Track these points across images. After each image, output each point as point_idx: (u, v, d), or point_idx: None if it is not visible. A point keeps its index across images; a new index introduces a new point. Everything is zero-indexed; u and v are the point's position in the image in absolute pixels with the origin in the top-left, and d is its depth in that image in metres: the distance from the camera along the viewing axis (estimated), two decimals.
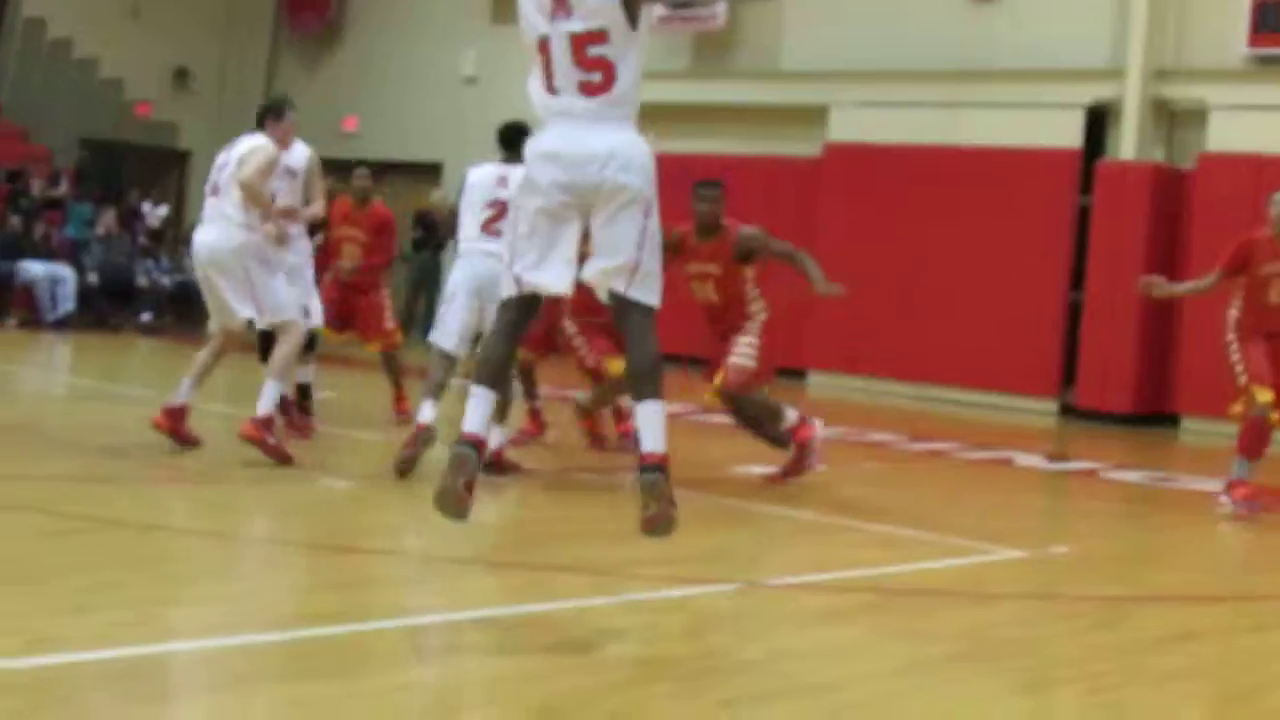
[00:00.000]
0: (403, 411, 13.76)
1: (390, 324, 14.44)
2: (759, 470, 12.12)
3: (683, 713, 5.71)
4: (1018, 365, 21.03)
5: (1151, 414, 20.27)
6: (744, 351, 11.44)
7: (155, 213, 26.54)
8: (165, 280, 25.07)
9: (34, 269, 22.75)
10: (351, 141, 26.78)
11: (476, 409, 6.73)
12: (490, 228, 10.77)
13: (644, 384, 6.74)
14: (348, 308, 14.30)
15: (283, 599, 6.66)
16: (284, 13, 30.51)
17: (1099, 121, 21.24)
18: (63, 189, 25.52)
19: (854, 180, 22.34)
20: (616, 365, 12.08)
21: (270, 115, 11.54)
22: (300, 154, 12.34)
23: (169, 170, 30.65)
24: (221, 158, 11.16)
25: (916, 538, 9.90)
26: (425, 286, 25.23)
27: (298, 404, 12.93)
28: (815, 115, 22.88)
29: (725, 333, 11.61)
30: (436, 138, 26.65)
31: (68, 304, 22.84)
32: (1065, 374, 21.02)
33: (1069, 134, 21.08)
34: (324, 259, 14.13)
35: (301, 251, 12.61)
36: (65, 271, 22.72)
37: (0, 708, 5.06)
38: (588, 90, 6.79)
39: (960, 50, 21.97)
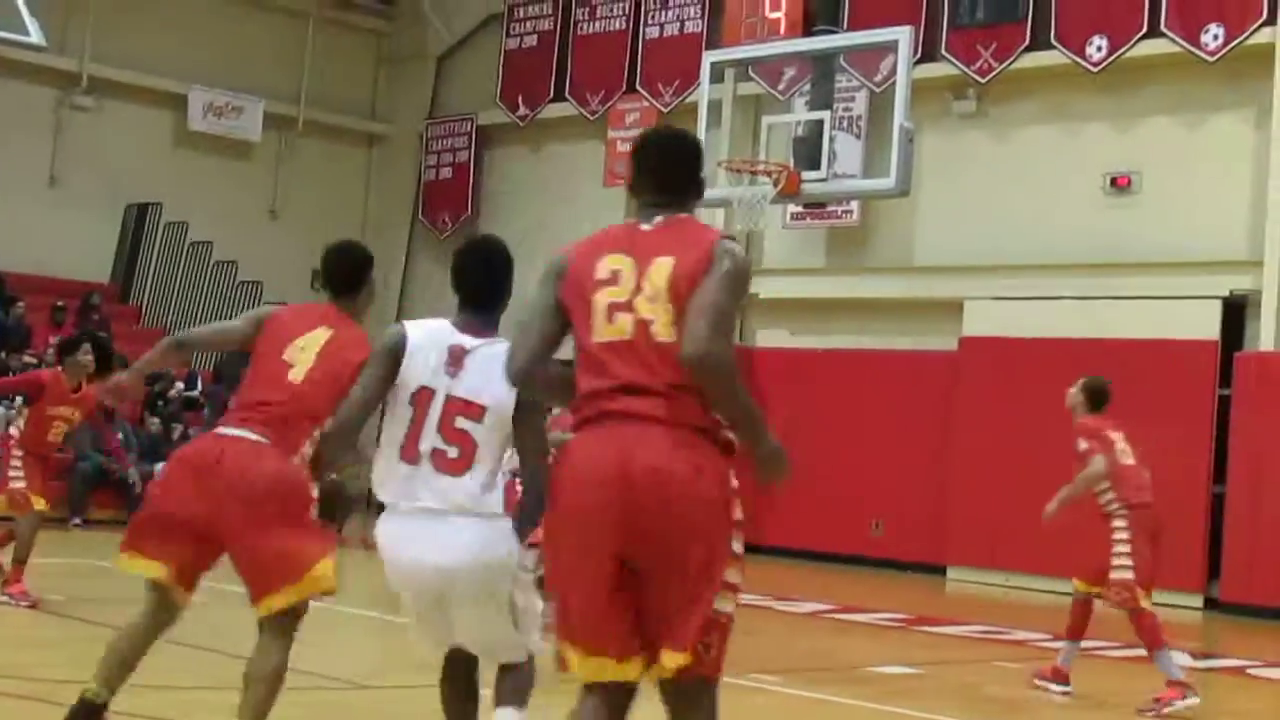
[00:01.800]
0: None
1: None
2: (898, 670, 11.88)
3: None
4: (1161, 559, 20.53)
5: None
6: None
7: None
8: None
9: None
10: None
11: None
12: None
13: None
14: None
15: None
16: (421, 213, 30.93)
17: (1237, 312, 21.03)
18: (200, 389, 25.85)
19: (990, 374, 22.14)
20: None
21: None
22: None
23: None
24: None
25: None
26: None
27: None
28: (950, 309, 22.78)
29: None
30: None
31: None
32: (1210, 567, 20.58)
33: (1207, 325, 20.85)
34: None
35: None
36: None
37: None
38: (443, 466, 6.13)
39: (1096, 242, 21.89)
